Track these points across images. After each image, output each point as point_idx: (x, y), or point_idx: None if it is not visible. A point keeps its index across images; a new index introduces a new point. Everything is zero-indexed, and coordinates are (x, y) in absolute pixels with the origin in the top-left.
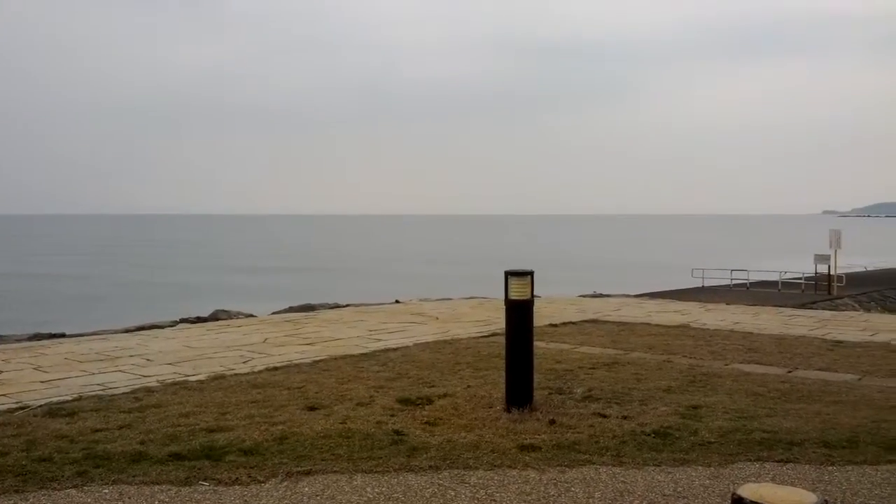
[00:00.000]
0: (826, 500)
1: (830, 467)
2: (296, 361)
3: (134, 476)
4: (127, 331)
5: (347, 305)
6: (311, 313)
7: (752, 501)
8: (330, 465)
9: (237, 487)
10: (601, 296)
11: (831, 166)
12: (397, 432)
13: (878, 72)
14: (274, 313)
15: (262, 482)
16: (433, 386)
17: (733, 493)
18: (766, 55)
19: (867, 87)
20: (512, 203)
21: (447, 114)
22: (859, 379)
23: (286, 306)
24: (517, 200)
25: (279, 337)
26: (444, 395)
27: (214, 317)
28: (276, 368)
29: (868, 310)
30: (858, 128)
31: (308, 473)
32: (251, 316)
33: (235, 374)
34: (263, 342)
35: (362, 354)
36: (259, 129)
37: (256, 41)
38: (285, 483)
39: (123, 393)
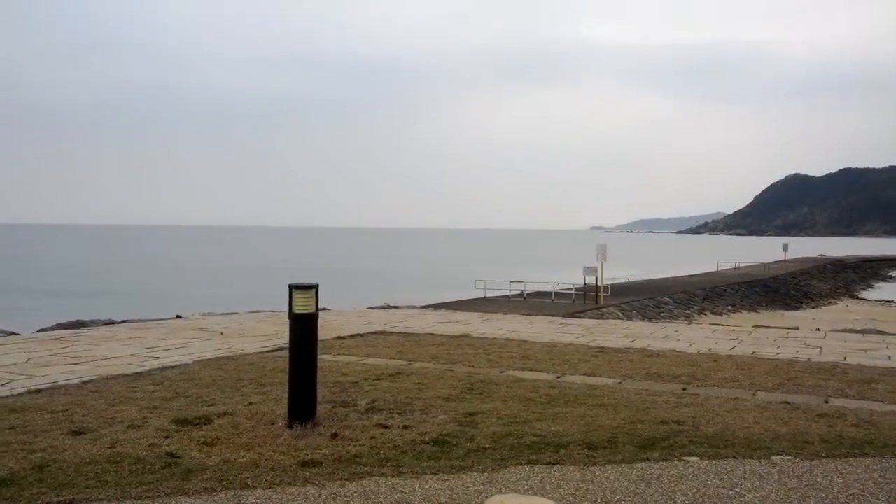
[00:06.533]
0: None
1: (593, 467)
2: (62, 382)
3: None
4: None
5: (123, 322)
6: (81, 330)
7: None
8: (95, 492)
9: None
10: (389, 308)
11: (598, 186)
12: (171, 455)
13: (634, 98)
14: (40, 331)
15: None
16: (213, 404)
17: None
18: (534, 81)
19: (626, 113)
20: (298, 215)
21: (230, 125)
22: (619, 382)
23: (54, 323)
24: (303, 212)
25: (44, 356)
26: (224, 414)
27: None
28: (38, 391)
29: (630, 318)
30: (621, 151)
31: (70, 503)
32: (13, 334)
33: None
34: (26, 362)
35: (137, 373)
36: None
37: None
38: None
39: None
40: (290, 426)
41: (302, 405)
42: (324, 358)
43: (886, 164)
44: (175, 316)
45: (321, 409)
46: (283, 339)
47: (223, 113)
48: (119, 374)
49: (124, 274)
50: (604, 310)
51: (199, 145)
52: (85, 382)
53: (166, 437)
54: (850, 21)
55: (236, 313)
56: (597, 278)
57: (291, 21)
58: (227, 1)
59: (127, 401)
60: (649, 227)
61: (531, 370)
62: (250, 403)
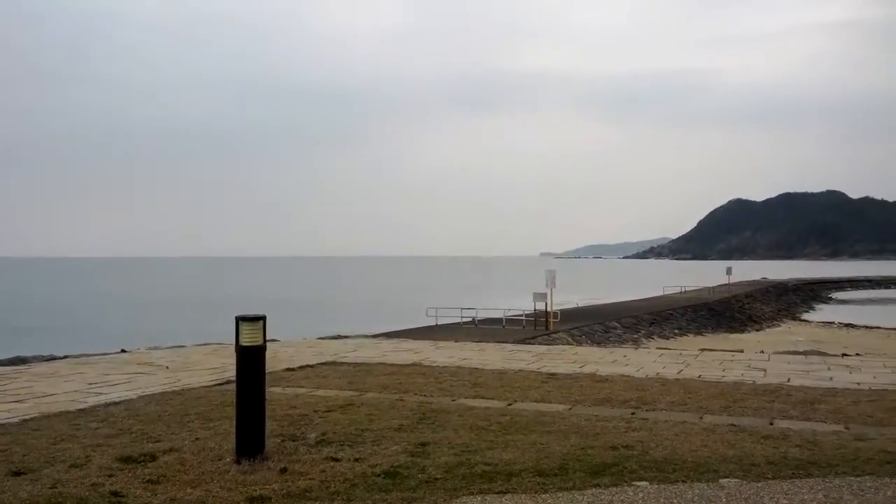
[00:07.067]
0: None
1: (544, 495)
2: (1, 421)
3: None
4: None
5: (65, 357)
6: (21, 367)
7: None
8: None
9: None
10: (340, 337)
11: (547, 212)
12: (115, 494)
13: (583, 126)
14: None
15: None
16: (158, 441)
17: None
18: (485, 109)
19: (574, 141)
20: (249, 245)
21: (183, 153)
22: (570, 408)
23: None
24: (255, 242)
25: None
26: (170, 450)
27: None
28: None
29: (579, 343)
30: (568, 178)
31: None
32: None
33: None
34: None
35: (79, 410)
36: None
37: None
38: None
39: None
40: (237, 461)
41: (250, 439)
42: (273, 390)
43: (824, 189)
44: (120, 350)
45: (270, 442)
46: (232, 371)
47: (176, 141)
48: (61, 412)
49: (67, 308)
50: (554, 335)
51: (150, 175)
52: (25, 421)
53: (110, 476)
54: (792, 50)
55: (183, 346)
56: (546, 304)
57: (227, 44)
58: (184, 28)
59: (69, 439)
60: (597, 252)
61: (482, 398)
62: (197, 439)
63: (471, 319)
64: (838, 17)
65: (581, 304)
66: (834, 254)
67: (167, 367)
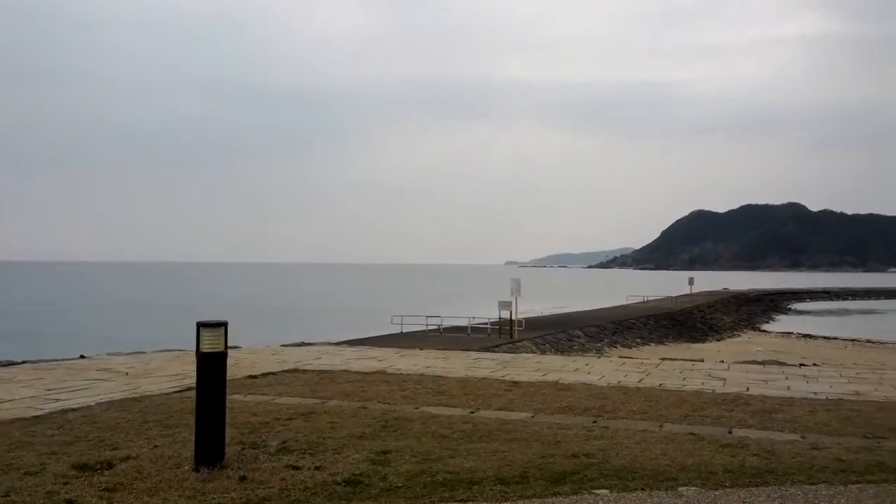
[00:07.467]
0: None
1: (505, 503)
2: None
3: None
4: None
5: (23, 363)
6: None
7: None
8: None
9: None
10: (304, 344)
11: (512, 221)
12: (70, 502)
13: (549, 136)
14: None
15: None
16: (116, 448)
17: None
18: (451, 116)
19: (540, 150)
20: (212, 251)
21: (143, 156)
22: (532, 416)
23: None
24: (218, 248)
25: None
26: (127, 458)
27: None
28: None
29: (543, 352)
30: (534, 187)
31: None
32: None
33: None
34: None
35: (36, 417)
36: None
37: None
38: None
39: None
40: (196, 469)
41: (209, 447)
42: (234, 398)
43: (785, 201)
44: (79, 356)
45: (230, 450)
46: (193, 378)
47: (137, 144)
48: (17, 418)
49: (26, 312)
50: (518, 344)
51: (115, 179)
52: None
53: (65, 484)
54: (757, 64)
55: (144, 353)
56: (511, 312)
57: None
58: (150, 27)
59: (24, 446)
60: (562, 261)
61: (446, 406)
62: (155, 446)
63: (436, 327)
64: (803, 31)
65: (545, 312)
66: (794, 265)
67: (127, 374)
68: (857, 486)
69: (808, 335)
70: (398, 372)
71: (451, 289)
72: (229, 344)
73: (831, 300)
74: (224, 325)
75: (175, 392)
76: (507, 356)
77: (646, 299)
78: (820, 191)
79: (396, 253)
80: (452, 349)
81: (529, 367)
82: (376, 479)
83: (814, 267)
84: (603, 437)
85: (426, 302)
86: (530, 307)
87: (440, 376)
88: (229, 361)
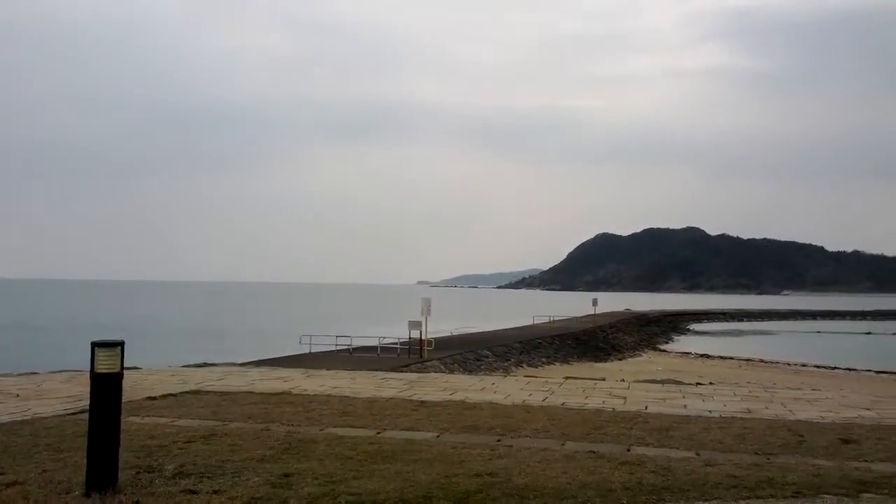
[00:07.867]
0: None
1: None
2: None
3: None
4: None
5: None
6: None
7: None
8: None
9: None
10: (207, 365)
11: (423, 242)
12: None
13: (459, 158)
14: None
15: None
16: (2, 473)
17: None
18: (368, 139)
19: (450, 172)
20: (119, 268)
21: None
22: (438, 436)
23: None
24: (124, 265)
25: None
26: (14, 484)
27: None
28: None
29: (452, 371)
30: (445, 208)
31: None
32: None
33: None
34: None
35: None
36: None
37: None
38: None
39: None
40: (87, 495)
41: (102, 471)
42: (131, 420)
43: (684, 226)
44: None
45: (124, 475)
46: (88, 400)
47: (52, 160)
48: None
49: None
50: (427, 363)
51: (12, 196)
52: None
53: None
54: (660, 93)
55: (37, 373)
56: (421, 332)
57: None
58: (63, 44)
59: None
60: (472, 282)
61: (351, 426)
62: (44, 471)
63: (346, 347)
64: (703, 64)
65: (455, 332)
66: (692, 287)
67: (17, 395)
68: (747, 501)
69: (705, 355)
70: (304, 393)
71: (363, 309)
72: (128, 364)
73: (727, 321)
74: (121, 344)
75: (69, 415)
76: (415, 376)
77: (552, 319)
78: (718, 216)
79: (310, 273)
80: (361, 369)
81: (437, 386)
82: (276, 502)
83: (711, 289)
84: (506, 456)
85: (336, 322)
86: (441, 327)
87: (347, 397)
88: (128, 383)
